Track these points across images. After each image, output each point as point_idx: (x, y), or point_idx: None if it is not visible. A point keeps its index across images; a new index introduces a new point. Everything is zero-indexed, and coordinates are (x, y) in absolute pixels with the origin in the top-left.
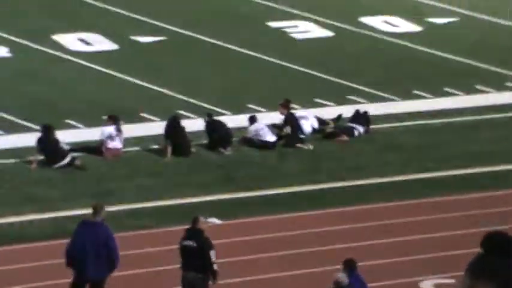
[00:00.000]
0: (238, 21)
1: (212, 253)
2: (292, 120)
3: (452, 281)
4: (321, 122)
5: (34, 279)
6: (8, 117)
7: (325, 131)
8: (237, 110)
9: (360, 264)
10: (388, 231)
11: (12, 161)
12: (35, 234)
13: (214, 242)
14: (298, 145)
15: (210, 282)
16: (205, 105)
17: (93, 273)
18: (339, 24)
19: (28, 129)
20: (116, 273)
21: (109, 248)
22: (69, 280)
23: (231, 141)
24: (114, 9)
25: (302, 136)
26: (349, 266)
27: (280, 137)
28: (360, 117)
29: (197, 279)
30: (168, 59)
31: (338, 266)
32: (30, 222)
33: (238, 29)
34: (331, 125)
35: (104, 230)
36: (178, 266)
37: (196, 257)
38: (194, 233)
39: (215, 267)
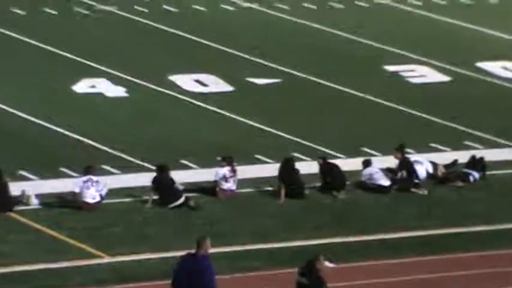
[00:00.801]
0: (354, 64)
1: None
2: (407, 165)
3: None
4: (436, 167)
5: None
6: (124, 157)
7: (438, 176)
8: (352, 154)
9: None
10: (502, 278)
11: (128, 200)
12: (148, 274)
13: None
14: (413, 189)
15: None
16: (320, 147)
17: None
18: (456, 69)
19: (144, 169)
20: None
21: (207, 277)
22: None
23: (345, 184)
24: (230, 50)
25: (417, 181)
26: None
27: (394, 181)
28: (476, 163)
29: None
30: (283, 101)
31: None
32: (144, 261)
33: (354, 72)
34: (443, 170)
35: (204, 261)
36: None
37: None
38: (308, 270)
39: None
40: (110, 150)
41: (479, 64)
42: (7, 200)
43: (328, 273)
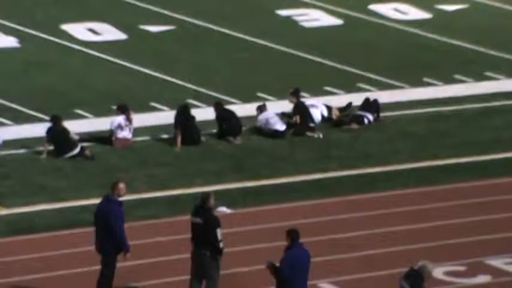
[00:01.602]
0: (247, 10)
1: (219, 231)
2: (301, 109)
3: (463, 268)
4: (330, 110)
5: (41, 270)
6: (17, 108)
7: (334, 120)
8: (247, 99)
9: (372, 252)
10: (398, 218)
11: (22, 151)
12: (45, 224)
13: (225, 230)
14: (308, 133)
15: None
16: (215, 94)
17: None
18: (348, 12)
19: (38, 120)
20: (124, 263)
21: (111, 219)
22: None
23: (241, 130)
24: None
25: (312, 125)
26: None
27: (290, 126)
28: (370, 105)
29: (204, 256)
30: (177, 48)
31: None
32: (40, 212)
33: (247, 18)
34: (337, 113)
35: (113, 204)
36: (188, 255)
37: (202, 234)
38: (202, 209)
39: (221, 245)
40: (2, 101)
41: (371, 7)
42: None
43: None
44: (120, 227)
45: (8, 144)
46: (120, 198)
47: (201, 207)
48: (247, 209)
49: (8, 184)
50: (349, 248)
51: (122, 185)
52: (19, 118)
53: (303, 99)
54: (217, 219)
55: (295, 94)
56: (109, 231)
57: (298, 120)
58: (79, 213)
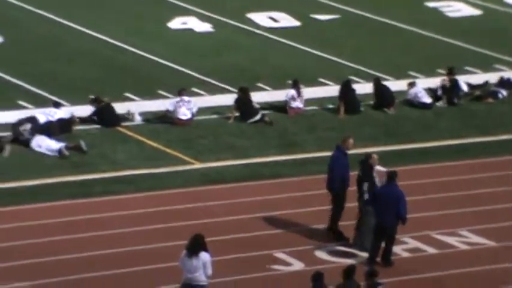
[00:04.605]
0: (400, 1)
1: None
2: (450, 85)
3: None
4: (471, 87)
5: (231, 214)
6: (210, 81)
7: (473, 94)
8: (399, 76)
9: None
10: None
11: (214, 116)
12: (232, 177)
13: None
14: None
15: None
16: (372, 72)
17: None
18: (486, 4)
19: (227, 91)
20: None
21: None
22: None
23: (394, 102)
24: None
25: (455, 100)
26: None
27: (436, 99)
28: (504, 83)
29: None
30: (341, 33)
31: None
32: (229, 166)
33: (400, 8)
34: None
35: (344, 155)
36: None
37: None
38: (363, 163)
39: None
40: (198, 75)
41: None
42: (115, 117)
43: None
44: (338, 170)
45: (203, 111)
46: (348, 152)
47: (363, 161)
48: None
49: (203, 143)
50: (484, 201)
51: (351, 140)
52: (212, 90)
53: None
54: (372, 175)
55: (449, 73)
56: (333, 173)
57: (442, 95)
58: (260, 168)
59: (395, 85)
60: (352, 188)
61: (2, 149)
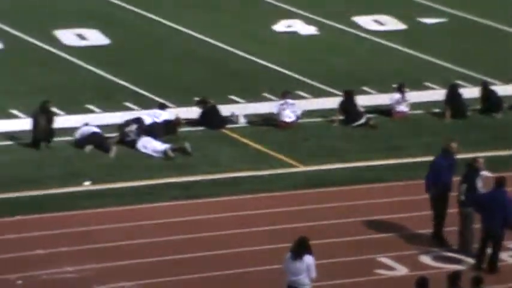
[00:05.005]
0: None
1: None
2: None
3: None
4: None
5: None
6: (313, 84)
7: None
8: (507, 81)
9: None
10: None
11: (319, 119)
12: (336, 180)
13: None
14: None
15: None
16: (480, 76)
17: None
18: None
19: (331, 94)
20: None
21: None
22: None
23: (501, 107)
24: None
25: None
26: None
27: None
28: None
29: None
30: (448, 37)
31: None
32: (332, 170)
33: (507, 12)
34: None
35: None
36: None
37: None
38: (469, 165)
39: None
40: (302, 78)
41: None
42: (220, 119)
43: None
44: (440, 174)
45: (308, 113)
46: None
47: (470, 163)
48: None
49: (307, 146)
50: None
51: (453, 144)
52: (316, 92)
53: None
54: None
55: None
56: (435, 177)
57: None
58: (364, 172)
59: (503, 90)
60: (456, 193)
61: (109, 150)
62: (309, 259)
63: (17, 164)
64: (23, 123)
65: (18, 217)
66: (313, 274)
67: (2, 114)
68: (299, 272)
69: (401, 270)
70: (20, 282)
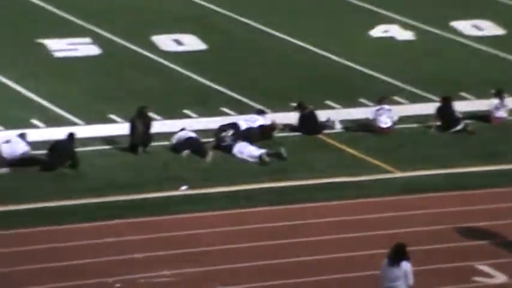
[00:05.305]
0: None
1: None
2: None
3: None
4: None
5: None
6: (410, 89)
7: None
8: None
9: None
10: None
11: (415, 125)
12: (433, 186)
13: None
14: None
15: None
16: None
17: None
18: None
19: (429, 100)
20: None
21: None
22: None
23: None
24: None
25: None
26: None
27: None
28: None
29: None
30: None
31: None
32: (428, 176)
33: None
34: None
35: None
36: None
37: None
38: None
39: None
40: (399, 84)
41: None
42: (316, 125)
43: None
44: None
45: (404, 119)
46: None
47: None
48: None
49: (403, 152)
50: None
51: None
52: (413, 98)
53: None
54: None
55: None
56: None
57: None
58: (462, 178)
59: None
60: None
61: (205, 155)
62: (406, 265)
63: (114, 168)
64: (121, 128)
65: (117, 221)
66: (411, 281)
67: (101, 119)
68: (396, 278)
69: (500, 278)
70: (118, 285)
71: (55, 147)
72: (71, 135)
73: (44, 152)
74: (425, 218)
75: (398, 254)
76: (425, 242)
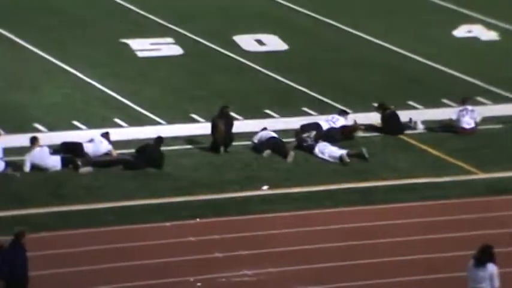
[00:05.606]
0: None
1: None
2: None
3: None
4: None
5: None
6: (495, 90)
7: None
8: None
9: None
10: None
11: (499, 126)
12: None
13: None
14: None
15: None
16: None
17: None
18: None
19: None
20: None
21: None
22: None
23: None
24: None
25: None
26: None
27: None
28: None
29: None
30: None
31: None
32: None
33: None
34: None
35: None
36: None
37: None
38: None
39: None
40: (482, 84)
41: None
42: (399, 125)
43: None
44: None
45: (487, 120)
46: None
47: None
48: None
49: (486, 153)
50: None
51: None
52: (497, 99)
53: None
54: None
55: None
56: None
57: None
58: None
59: None
60: None
61: (287, 155)
62: (492, 268)
63: (196, 168)
64: (203, 128)
65: (198, 220)
66: (496, 284)
67: (183, 118)
68: (481, 280)
69: None
70: (199, 284)
71: (143, 150)
72: (160, 139)
73: (126, 151)
74: (510, 220)
75: (484, 255)
76: (510, 243)
